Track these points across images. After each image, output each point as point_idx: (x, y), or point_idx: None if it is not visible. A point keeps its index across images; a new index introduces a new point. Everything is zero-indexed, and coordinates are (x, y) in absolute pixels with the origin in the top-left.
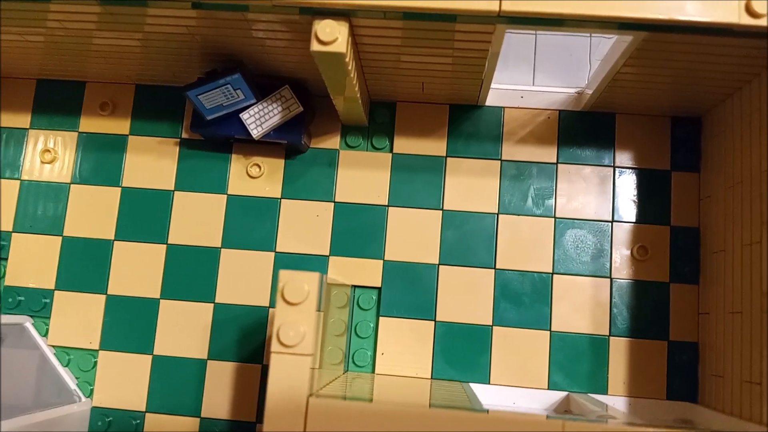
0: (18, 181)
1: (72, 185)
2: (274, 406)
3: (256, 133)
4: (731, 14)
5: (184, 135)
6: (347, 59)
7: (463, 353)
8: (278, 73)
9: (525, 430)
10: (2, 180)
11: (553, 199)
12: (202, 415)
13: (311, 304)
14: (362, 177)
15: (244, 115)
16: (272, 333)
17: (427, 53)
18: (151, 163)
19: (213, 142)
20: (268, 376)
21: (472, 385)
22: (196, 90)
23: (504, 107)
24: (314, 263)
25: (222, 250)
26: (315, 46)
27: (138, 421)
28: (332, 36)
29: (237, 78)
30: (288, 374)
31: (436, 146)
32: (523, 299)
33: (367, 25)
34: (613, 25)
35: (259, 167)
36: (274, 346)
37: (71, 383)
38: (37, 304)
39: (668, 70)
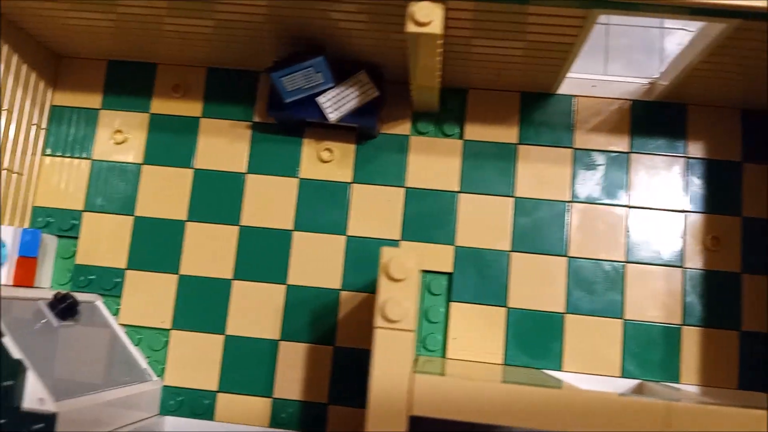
0: (89, 161)
1: (144, 166)
2: (379, 381)
3: (332, 117)
4: None
5: (256, 118)
6: (440, 42)
7: (535, 340)
8: (354, 57)
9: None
10: (73, 159)
11: (626, 188)
12: (274, 395)
13: (414, 280)
14: (433, 163)
15: (321, 99)
16: (375, 309)
17: (515, 38)
18: (224, 145)
19: (286, 126)
20: (373, 352)
21: (545, 372)
22: (280, 72)
23: (576, 96)
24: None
25: (294, 232)
26: (411, 28)
27: (209, 401)
28: (428, 17)
29: (320, 61)
30: (392, 350)
31: (507, 133)
32: (596, 287)
33: (460, 8)
34: (709, 12)
35: (331, 152)
36: (378, 321)
37: (142, 362)
38: (108, 283)
39: (750, 60)
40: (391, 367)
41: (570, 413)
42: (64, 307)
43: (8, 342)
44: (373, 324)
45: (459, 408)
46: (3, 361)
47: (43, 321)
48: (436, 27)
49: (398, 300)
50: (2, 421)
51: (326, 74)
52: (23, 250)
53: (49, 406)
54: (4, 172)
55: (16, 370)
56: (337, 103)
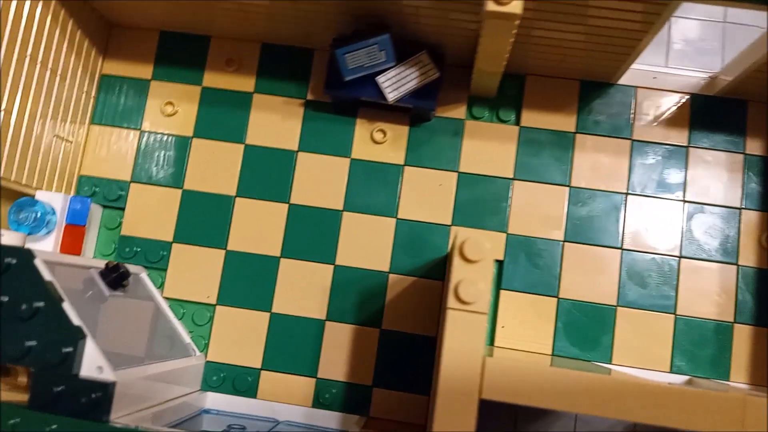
0: (138, 132)
1: (193, 139)
2: (450, 363)
3: (391, 97)
4: None
5: (310, 96)
6: (517, 23)
7: (585, 332)
8: (416, 37)
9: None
10: (122, 130)
11: (683, 183)
12: (318, 375)
13: (489, 262)
14: (487, 148)
15: (380, 78)
16: (448, 290)
17: (583, 24)
18: (276, 122)
19: (340, 105)
20: (443, 333)
21: (595, 364)
22: (345, 48)
23: (636, 87)
24: (436, 232)
25: (343, 213)
26: (491, 6)
27: (252, 378)
28: None
29: (385, 39)
30: (464, 331)
31: (564, 121)
32: (649, 281)
33: None
34: None
35: (384, 133)
36: (451, 302)
37: (185, 337)
38: (154, 255)
39: None
40: (463, 349)
41: (646, 404)
42: (116, 277)
43: (68, 308)
44: (445, 305)
45: (531, 393)
46: (62, 327)
47: (95, 290)
48: (516, 7)
49: (473, 281)
50: (60, 388)
51: (389, 53)
52: (72, 218)
53: (107, 374)
54: (54, 139)
55: (76, 336)
56: (396, 83)
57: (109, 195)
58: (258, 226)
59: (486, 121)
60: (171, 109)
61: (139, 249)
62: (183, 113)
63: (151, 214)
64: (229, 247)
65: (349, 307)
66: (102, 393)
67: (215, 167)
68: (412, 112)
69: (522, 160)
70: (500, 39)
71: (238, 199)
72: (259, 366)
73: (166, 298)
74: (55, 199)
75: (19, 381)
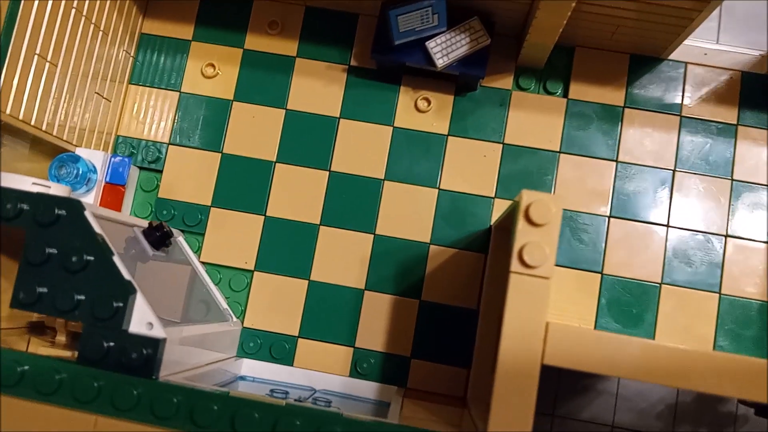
0: (177, 93)
1: (234, 102)
2: (512, 327)
3: (441, 62)
4: None
5: (353, 63)
6: None
7: (628, 308)
8: (467, 2)
9: None
10: (160, 90)
11: (732, 161)
12: (356, 345)
13: (556, 226)
14: (533, 120)
15: (430, 44)
16: (512, 253)
17: (644, 0)
18: (318, 88)
19: (384, 71)
20: (507, 297)
21: None
22: (398, 9)
23: (686, 63)
24: (478, 204)
25: (385, 182)
26: None
27: (290, 346)
28: None
29: (441, 1)
30: (528, 296)
31: (613, 95)
32: (694, 260)
33: None
34: None
35: (428, 101)
36: (515, 266)
37: (222, 302)
38: (192, 219)
39: None
40: (526, 313)
41: (712, 375)
42: (160, 236)
43: (118, 262)
44: (509, 268)
45: (594, 360)
46: (113, 281)
47: (138, 249)
48: None
49: (538, 245)
50: (109, 343)
51: (442, 17)
52: (112, 177)
53: (157, 331)
54: (95, 96)
55: (126, 291)
56: (446, 48)
57: (147, 156)
58: (298, 193)
59: (533, 92)
60: (212, 71)
61: (176, 212)
62: (224, 76)
63: (190, 177)
64: (268, 213)
65: (388, 277)
66: (152, 349)
67: (255, 132)
68: (459, 80)
69: (569, 134)
70: (558, 12)
71: (278, 164)
72: (296, 334)
73: (203, 263)
74: (95, 157)
75: (58, 340)
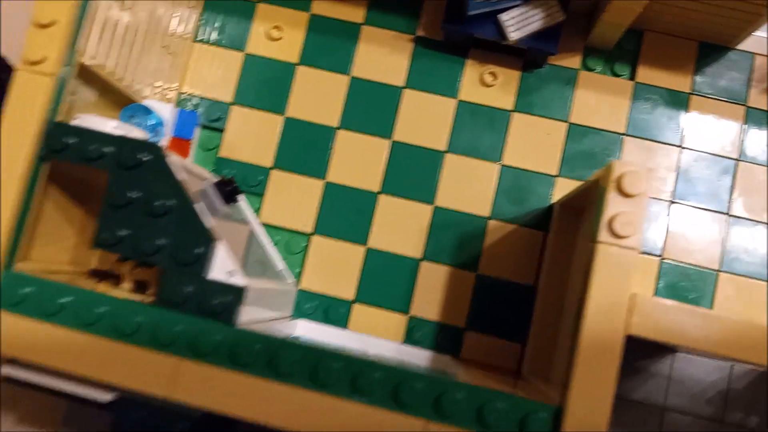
0: (242, 54)
1: (298, 66)
2: (598, 297)
3: (514, 36)
4: None
5: (420, 32)
6: None
7: (685, 295)
8: None
9: None
10: (225, 50)
11: None
12: (411, 313)
13: (646, 198)
14: (599, 101)
15: (503, 16)
16: (598, 223)
17: None
18: (384, 56)
19: (452, 43)
20: (593, 266)
21: None
22: None
23: (754, 53)
24: (540, 181)
25: (446, 154)
26: None
27: (344, 310)
28: None
29: None
30: (615, 266)
31: (680, 81)
32: (757, 248)
33: None
34: None
35: (495, 76)
36: (603, 235)
37: (279, 263)
38: (251, 179)
39: None
40: (613, 284)
41: None
42: (230, 191)
43: (199, 209)
44: (594, 238)
45: (678, 333)
46: (195, 228)
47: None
48: None
49: (629, 215)
50: (189, 288)
51: None
52: (179, 131)
53: (238, 279)
54: (162, 50)
55: (208, 239)
56: (520, 22)
57: (209, 115)
58: (359, 160)
59: (600, 73)
60: (277, 33)
61: (236, 172)
62: (289, 39)
63: (251, 137)
64: (328, 179)
65: (445, 248)
66: (233, 297)
67: (319, 96)
68: (527, 56)
69: (634, 116)
70: None
71: (340, 131)
72: (352, 298)
73: (262, 224)
74: (163, 110)
75: (123, 286)
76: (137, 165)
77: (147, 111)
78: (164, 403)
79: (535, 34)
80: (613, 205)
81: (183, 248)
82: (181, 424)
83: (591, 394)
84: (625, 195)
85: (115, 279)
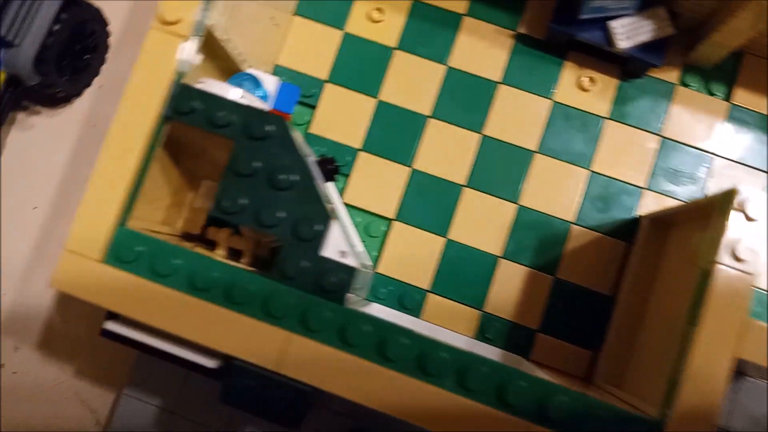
0: (341, 32)
1: (396, 51)
2: (712, 320)
3: (622, 45)
4: None
5: (521, 29)
6: None
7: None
8: None
9: None
10: (325, 27)
11: None
12: (485, 309)
13: (765, 223)
14: (693, 118)
15: (614, 23)
16: (720, 245)
17: None
18: (483, 49)
19: (553, 44)
20: (711, 289)
21: None
22: None
23: None
24: (628, 192)
25: (536, 154)
26: None
27: (419, 298)
28: None
29: None
30: (732, 289)
31: None
32: None
33: None
34: None
35: (593, 81)
36: (724, 258)
37: (359, 245)
38: (339, 159)
39: None
40: (729, 307)
41: None
42: (331, 169)
43: (319, 186)
44: (711, 259)
45: None
46: (315, 204)
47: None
48: None
49: (752, 240)
50: (305, 264)
51: (638, 0)
52: (280, 104)
53: (350, 260)
54: (269, 20)
55: (327, 216)
56: (630, 31)
57: (304, 90)
58: (447, 151)
59: (695, 90)
60: (378, 15)
61: (325, 150)
62: (389, 22)
63: (342, 117)
64: (414, 166)
65: (526, 248)
66: (347, 276)
67: (413, 83)
68: (627, 65)
69: (726, 138)
70: (755, 20)
71: (431, 119)
72: (427, 287)
73: (345, 204)
74: (268, 81)
75: (218, 252)
76: (264, 137)
77: (256, 82)
78: (271, 374)
79: (642, 44)
80: (736, 228)
81: (303, 223)
82: (290, 396)
83: (695, 413)
84: (749, 219)
85: (207, 244)
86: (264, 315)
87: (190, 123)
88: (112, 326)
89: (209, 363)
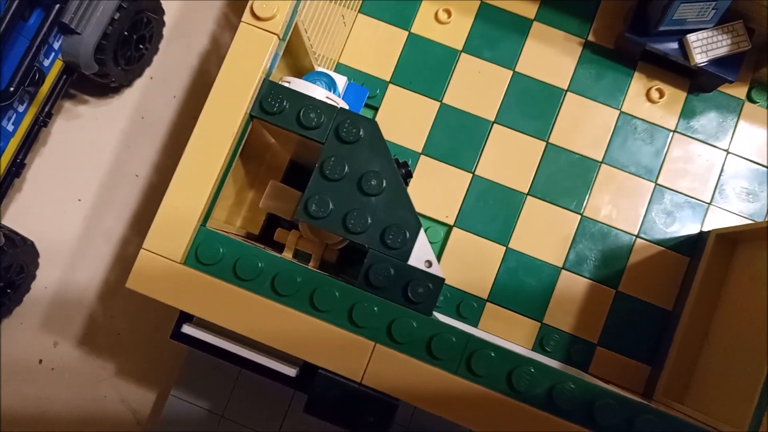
0: (406, 32)
1: (462, 53)
2: None
3: (699, 58)
4: None
5: (591, 38)
6: None
7: None
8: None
9: None
10: (390, 26)
11: None
12: (544, 321)
13: None
14: (760, 135)
15: (691, 37)
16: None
17: None
18: (551, 56)
19: (622, 54)
20: None
21: None
22: None
23: None
24: (693, 207)
25: (602, 165)
26: None
27: (478, 306)
28: None
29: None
30: None
31: None
32: None
33: None
34: None
35: (661, 93)
36: None
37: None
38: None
39: None
40: None
41: None
42: (404, 174)
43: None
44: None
45: None
46: (405, 212)
47: None
48: None
49: None
50: (393, 272)
51: (718, 14)
52: (348, 105)
53: (436, 270)
54: (340, 18)
55: (417, 224)
56: (707, 46)
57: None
58: (510, 158)
59: (762, 107)
60: (446, 17)
61: None
62: (456, 24)
63: (404, 119)
64: (477, 172)
65: (588, 260)
66: (434, 287)
67: (477, 87)
68: (699, 79)
69: None
70: None
71: (495, 125)
72: (485, 297)
73: None
74: (339, 81)
75: (285, 255)
76: (356, 140)
77: (331, 81)
78: (356, 385)
79: (716, 59)
80: None
81: (394, 231)
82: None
83: None
84: None
85: (271, 245)
86: (349, 324)
87: (278, 123)
88: (189, 330)
89: (289, 371)
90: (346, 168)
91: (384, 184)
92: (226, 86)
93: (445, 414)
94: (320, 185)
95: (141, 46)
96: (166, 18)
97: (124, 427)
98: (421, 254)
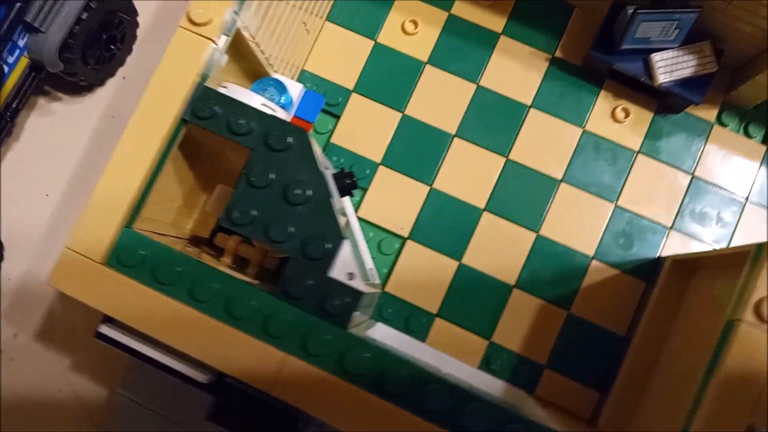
0: (372, 42)
1: (427, 65)
2: (728, 375)
3: (661, 78)
4: None
5: (558, 54)
6: None
7: None
8: (702, 25)
9: None
10: (356, 36)
11: None
12: (492, 339)
13: None
14: (728, 160)
15: (655, 56)
16: (749, 301)
17: None
18: (517, 71)
19: (588, 71)
20: (730, 347)
21: None
22: (646, 15)
23: None
24: (653, 231)
25: (561, 183)
26: None
27: (426, 321)
28: None
29: (691, 18)
30: (753, 347)
31: None
32: None
33: None
34: None
35: (627, 113)
36: (747, 316)
37: (369, 261)
38: (359, 171)
39: None
40: (746, 365)
41: None
42: (349, 184)
43: (335, 204)
44: (735, 315)
45: None
46: (328, 223)
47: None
48: None
49: None
50: (311, 283)
51: (682, 34)
52: (302, 112)
53: (357, 283)
54: (301, 24)
55: (339, 236)
56: (671, 66)
57: (329, 99)
58: (469, 172)
59: (732, 130)
60: (413, 28)
61: (344, 160)
62: (423, 35)
63: (365, 129)
64: (434, 185)
65: (541, 280)
66: (352, 300)
67: (441, 100)
68: (666, 100)
69: (762, 183)
70: None
71: (456, 139)
72: (435, 312)
73: (359, 218)
74: (292, 87)
75: (223, 260)
76: (284, 149)
77: (282, 87)
78: (263, 396)
79: (682, 80)
80: (763, 285)
81: (315, 241)
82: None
83: None
84: None
85: (215, 250)
86: (263, 333)
87: (209, 128)
88: (106, 330)
89: (201, 377)
90: (272, 176)
91: (309, 194)
92: (158, 90)
93: (351, 430)
94: (245, 192)
95: (112, 47)
96: (140, 19)
97: (75, 422)
98: (344, 266)
